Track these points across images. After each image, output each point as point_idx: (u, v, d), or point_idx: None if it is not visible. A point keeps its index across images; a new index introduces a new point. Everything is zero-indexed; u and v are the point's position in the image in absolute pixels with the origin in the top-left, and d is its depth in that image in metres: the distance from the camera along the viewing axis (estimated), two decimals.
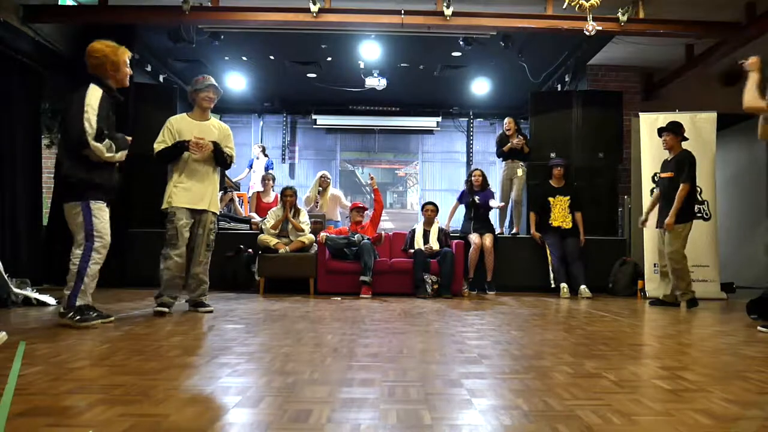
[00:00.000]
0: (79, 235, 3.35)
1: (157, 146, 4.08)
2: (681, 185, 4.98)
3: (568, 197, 6.44)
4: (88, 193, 3.35)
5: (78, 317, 3.27)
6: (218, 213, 4.35)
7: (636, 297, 6.00)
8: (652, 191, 5.47)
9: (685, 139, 5.21)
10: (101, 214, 3.39)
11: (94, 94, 3.31)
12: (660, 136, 5.27)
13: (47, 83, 6.19)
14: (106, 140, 3.31)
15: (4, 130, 5.65)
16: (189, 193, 4.07)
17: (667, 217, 4.99)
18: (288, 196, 6.14)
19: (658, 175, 5.43)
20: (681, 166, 5.02)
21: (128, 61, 3.56)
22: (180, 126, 4.14)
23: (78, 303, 3.29)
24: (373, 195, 6.46)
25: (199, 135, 4.05)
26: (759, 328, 3.58)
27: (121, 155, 3.45)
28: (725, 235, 7.58)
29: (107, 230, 3.41)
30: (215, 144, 4.11)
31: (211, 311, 4.15)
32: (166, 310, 3.99)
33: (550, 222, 6.40)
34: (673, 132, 5.12)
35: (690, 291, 5.00)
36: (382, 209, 6.62)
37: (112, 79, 3.47)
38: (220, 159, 4.16)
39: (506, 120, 7.09)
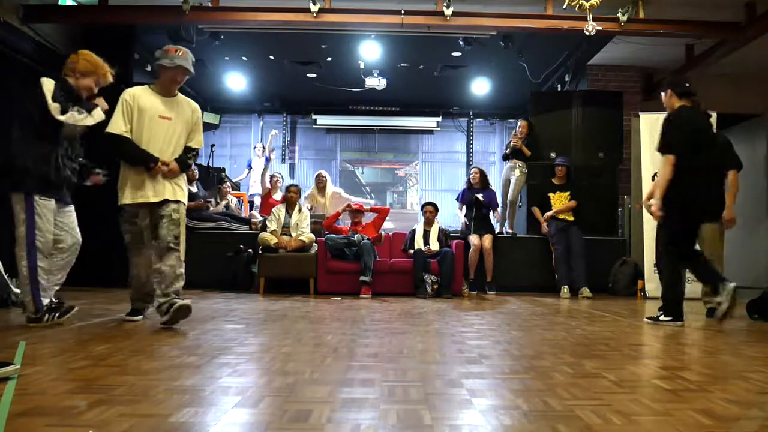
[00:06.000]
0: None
1: (113, 129, 3.36)
2: (732, 172, 4.33)
3: (567, 193, 6.48)
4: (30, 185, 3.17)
5: (56, 314, 3.28)
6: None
7: (636, 297, 6.00)
8: None
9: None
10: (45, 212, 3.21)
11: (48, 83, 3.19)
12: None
13: None
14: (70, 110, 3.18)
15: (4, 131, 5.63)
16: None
17: (725, 210, 4.26)
18: (293, 193, 6.17)
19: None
20: (727, 148, 4.33)
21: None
22: (142, 102, 3.43)
23: (45, 302, 3.26)
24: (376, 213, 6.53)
25: (166, 114, 3.47)
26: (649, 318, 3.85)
27: (95, 115, 3.27)
28: (725, 234, 7.55)
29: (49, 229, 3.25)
30: (178, 159, 3.52)
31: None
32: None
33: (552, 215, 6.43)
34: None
35: None
36: (388, 212, 6.64)
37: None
38: (183, 168, 3.58)
39: (521, 122, 7.10)
